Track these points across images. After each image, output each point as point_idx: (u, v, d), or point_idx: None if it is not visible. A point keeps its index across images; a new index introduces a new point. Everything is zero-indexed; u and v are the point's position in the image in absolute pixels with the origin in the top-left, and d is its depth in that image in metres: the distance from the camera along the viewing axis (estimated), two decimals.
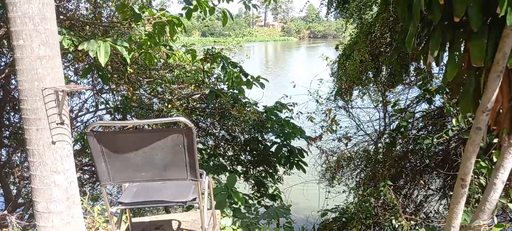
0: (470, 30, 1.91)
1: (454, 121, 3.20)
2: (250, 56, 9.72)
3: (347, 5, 4.83)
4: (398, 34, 3.64)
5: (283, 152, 5.60)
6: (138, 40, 4.61)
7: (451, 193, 5.11)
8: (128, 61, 2.92)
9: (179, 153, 1.50)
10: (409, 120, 3.93)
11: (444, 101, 3.53)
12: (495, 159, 2.32)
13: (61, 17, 5.29)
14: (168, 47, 3.96)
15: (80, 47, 2.87)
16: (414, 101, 4.23)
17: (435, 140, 3.54)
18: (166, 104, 4.75)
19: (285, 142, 5.51)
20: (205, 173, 1.90)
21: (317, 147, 6.10)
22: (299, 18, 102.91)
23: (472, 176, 2.22)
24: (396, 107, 4.29)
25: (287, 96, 5.56)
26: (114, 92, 5.92)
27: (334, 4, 4.98)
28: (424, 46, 2.20)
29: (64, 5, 5.98)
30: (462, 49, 2.10)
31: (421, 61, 3.58)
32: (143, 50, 3.89)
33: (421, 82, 3.89)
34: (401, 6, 2.27)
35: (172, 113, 4.80)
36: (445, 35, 2.05)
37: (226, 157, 6.43)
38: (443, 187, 5.19)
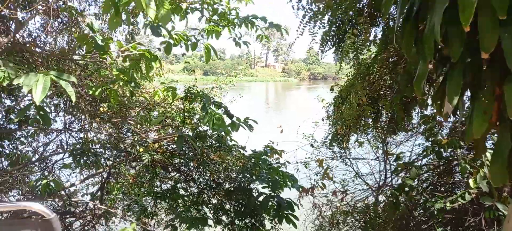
0: (504, 69, 1.38)
1: (471, 182, 2.63)
2: (242, 95, 9.28)
3: (342, 44, 4.40)
4: (400, 75, 3.16)
5: (272, 203, 4.96)
6: (109, 76, 4.13)
7: None
8: (73, 98, 2.40)
9: None
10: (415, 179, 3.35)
11: (458, 158, 2.97)
12: None
13: (37, 49, 4.87)
14: (132, 84, 3.46)
15: (15, 82, 2.36)
16: (421, 155, 3.67)
17: (448, 204, 2.93)
18: (137, 148, 4.20)
19: (273, 193, 4.89)
20: None
21: (312, 196, 5.47)
22: (300, 60, 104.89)
23: None
24: (400, 161, 3.71)
25: (273, 142, 4.99)
26: (90, 132, 5.40)
27: (329, 43, 4.55)
28: (438, 90, 1.67)
29: (44, 39, 5.59)
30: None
31: (433, 109, 3.05)
32: (108, 87, 3.41)
33: (428, 133, 3.36)
34: (406, 39, 1.76)
35: (144, 158, 4.24)
36: (467, 77, 1.52)
37: (210, 205, 5.81)
38: None
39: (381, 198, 5.04)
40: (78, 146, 4.62)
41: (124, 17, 2.93)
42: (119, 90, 4.42)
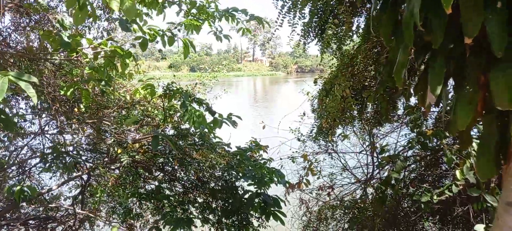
0: (489, 55, 1.28)
1: (458, 173, 2.55)
2: (230, 90, 9.12)
3: (324, 35, 4.29)
4: (383, 65, 3.05)
5: (259, 201, 4.85)
6: (82, 75, 3.94)
7: None
8: (35, 100, 2.22)
9: None
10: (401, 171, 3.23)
11: (443, 148, 2.89)
12: None
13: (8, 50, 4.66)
14: (103, 83, 3.28)
15: None
16: (406, 147, 3.56)
17: (435, 197, 2.85)
18: (115, 149, 4.02)
19: (259, 190, 4.77)
20: None
21: (300, 191, 5.37)
22: (287, 53, 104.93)
23: None
24: (385, 154, 3.60)
25: (255, 139, 4.88)
26: (68, 134, 5.20)
27: (311, 35, 4.43)
28: (420, 80, 1.56)
29: (14, 38, 5.35)
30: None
31: (416, 100, 2.97)
32: (79, 87, 3.23)
33: (413, 123, 3.26)
34: (385, 27, 1.65)
35: (122, 159, 4.07)
36: (450, 65, 1.41)
37: (197, 204, 5.68)
38: None
39: (370, 191, 4.98)
40: (50, 149, 4.42)
41: (94, 10, 2.74)
42: (95, 90, 4.23)
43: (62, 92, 3.61)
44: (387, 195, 3.11)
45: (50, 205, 6.02)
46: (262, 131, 5.98)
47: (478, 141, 1.47)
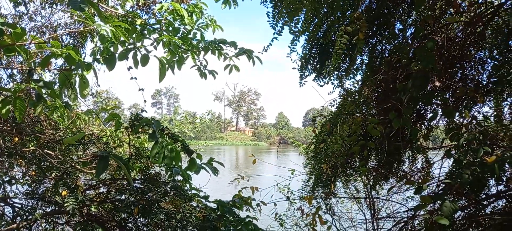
0: None
1: None
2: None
3: (324, 68, 3.70)
4: (412, 78, 2.31)
5: None
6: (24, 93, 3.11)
7: None
8: None
9: None
10: None
11: None
12: None
13: None
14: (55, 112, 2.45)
15: None
16: (450, 180, 2.50)
17: None
18: (59, 190, 3.06)
19: None
20: None
21: None
22: (270, 125, 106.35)
23: None
24: (423, 192, 2.56)
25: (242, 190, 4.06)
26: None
27: (310, 68, 3.85)
28: None
29: None
30: None
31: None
32: (10, 100, 2.38)
33: (465, 149, 2.26)
34: None
35: (66, 204, 3.07)
36: None
37: None
38: None
39: None
40: None
41: None
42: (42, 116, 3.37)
43: None
44: None
45: None
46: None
47: None
